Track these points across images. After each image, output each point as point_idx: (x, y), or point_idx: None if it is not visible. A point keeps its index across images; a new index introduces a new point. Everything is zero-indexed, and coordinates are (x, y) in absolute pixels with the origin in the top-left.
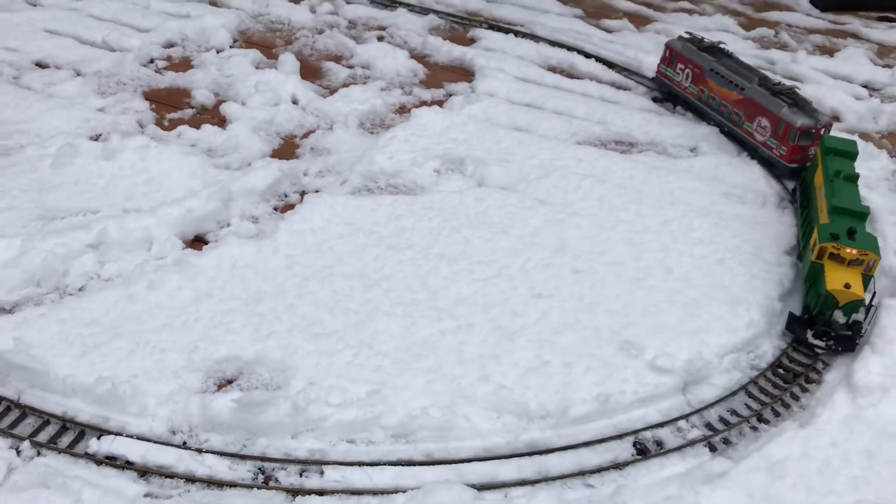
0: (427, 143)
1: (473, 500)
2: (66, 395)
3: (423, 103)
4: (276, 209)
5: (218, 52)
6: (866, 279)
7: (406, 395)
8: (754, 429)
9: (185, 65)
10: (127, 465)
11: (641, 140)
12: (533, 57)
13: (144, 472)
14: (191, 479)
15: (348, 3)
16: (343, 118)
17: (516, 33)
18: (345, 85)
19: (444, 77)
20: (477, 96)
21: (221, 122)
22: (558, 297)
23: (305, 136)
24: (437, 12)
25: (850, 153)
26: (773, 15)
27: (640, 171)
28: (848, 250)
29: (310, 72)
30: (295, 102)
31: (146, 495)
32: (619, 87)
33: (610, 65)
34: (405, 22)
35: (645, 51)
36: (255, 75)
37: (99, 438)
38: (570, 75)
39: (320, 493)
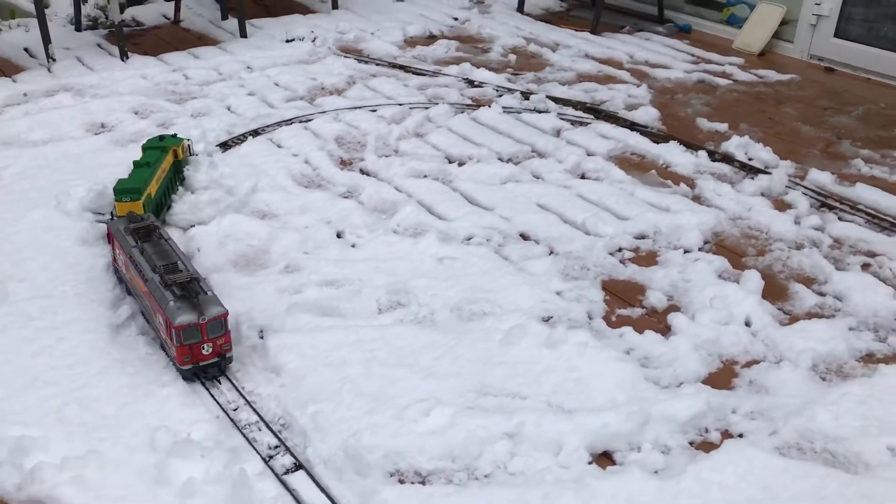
0: (887, 413)
1: None
2: None
3: None
4: (691, 444)
5: (685, 252)
6: None
7: None
8: None
9: (649, 259)
10: None
11: None
12: None
13: None
14: None
15: (840, 219)
16: (795, 355)
17: None
18: (808, 315)
19: None
20: None
21: (666, 329)
22: None
23: (747, 364)
24: None
25: None
26: None
27: None
28: None
29: (773, 291)
30: (747, 325)
31: None
32: None
33: None
34: None
35: None
36: (714, 287)
37: None
38: None
39: None
